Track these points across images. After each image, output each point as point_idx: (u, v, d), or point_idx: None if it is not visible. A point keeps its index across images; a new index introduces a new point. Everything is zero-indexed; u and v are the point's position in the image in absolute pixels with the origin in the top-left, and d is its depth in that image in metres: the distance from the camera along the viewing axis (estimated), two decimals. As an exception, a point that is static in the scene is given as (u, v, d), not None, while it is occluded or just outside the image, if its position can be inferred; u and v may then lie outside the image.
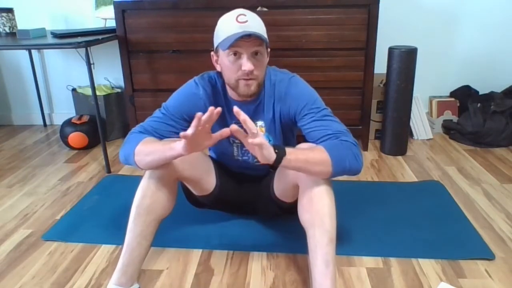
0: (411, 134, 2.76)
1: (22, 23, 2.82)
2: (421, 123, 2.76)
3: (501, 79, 2.79)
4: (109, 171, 2.32)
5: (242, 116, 1.07)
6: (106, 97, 2.76)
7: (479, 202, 1.93)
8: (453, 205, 1.90)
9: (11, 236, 1.74)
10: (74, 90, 2.94)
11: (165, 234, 1.62)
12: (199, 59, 2.38)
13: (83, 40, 2.11)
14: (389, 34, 2.64)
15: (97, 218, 1.84)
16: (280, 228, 1.71)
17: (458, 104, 2.81)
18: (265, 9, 2.28)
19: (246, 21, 1.26)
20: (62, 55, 3.03)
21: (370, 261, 1.53)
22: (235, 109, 1.08)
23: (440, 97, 2.88)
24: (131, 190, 1.34)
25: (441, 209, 1.86)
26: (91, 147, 2.69)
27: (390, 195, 2.01)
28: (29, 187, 2.18)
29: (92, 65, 2.17)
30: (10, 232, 1.77)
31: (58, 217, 1.87)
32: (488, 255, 1.53)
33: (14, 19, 2.71)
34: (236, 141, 1.49)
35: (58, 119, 3.12)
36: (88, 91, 2.71)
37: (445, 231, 1.69)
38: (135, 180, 1.38)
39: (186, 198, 1.67)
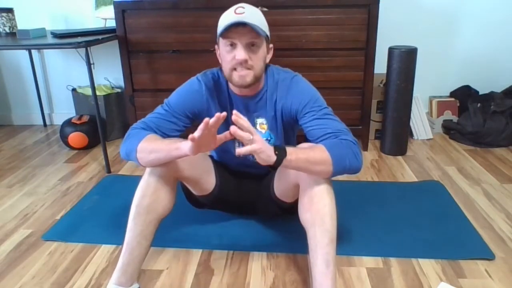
0: (411, 134, 2.76)
1: (22, 23, 2.82)
2: (421, 123, 2.76)
3: (501, 79, 2.79)
4: (109, 171, 2.32)
5: (240, 122, 1.09)
6: (106, 97, 2.76)
7: (479, 202, 1.93)
8: (453, 205, 1.90)
9: (11, 236, 1.74)
10: (74, 90, 2.94)
11: (165, 234, 1.62)
12: (199, 59, 2.38)
13: (83, 40, 2.11)
14: (389, 34, 2.64)
15: (97, 218, 1.84)
16: (280, 228, 1.71)
17: (458, 104, 2.81)
18: (265, 9, 2.28)
19: (243, 13, 1.28)
20: (62, 55, 3.03)
21: (370, 261, 1.53)
22: (234, 117, 1.09)
23: (440, 97, 2.88)
24: (131, 190, 1.34)
25: (441, 209, 1.86)
26: (91, 147, 2.69)
27: (390, 195, 2.01)
28: (29, 187, 2.18)
29: (92, 65, 2.17)
30: (10, 232, 1.77)
31: (58, 217, 1.87)
32: (488, 255, 1.53)
33: (14, 19, 2.71)
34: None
35: (58, 119, 3.12)
36: (88, 91, 2.71)
37: (445, 231, 1.69)
38: (135, 180, 1.38)
39: (186, 198, 1.67)
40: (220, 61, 1.40)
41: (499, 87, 2.76)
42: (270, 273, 1.48)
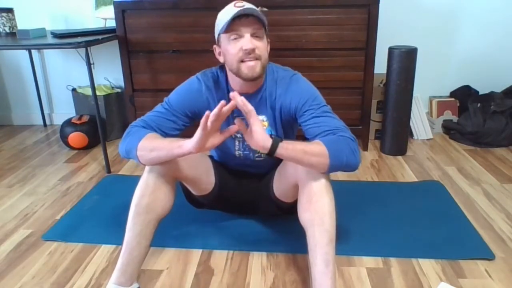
0: (411, 134, 2.76)
1: (22, 23, 2.82)
2: (421, 123, 2.76)
3: (501, 79, 2.79)
4: (109, 171, 2.32)
5: (238, 100, 1.14)
6: (106, 97, 2.76)
7: (479, 202, 1.93)
8: (453, 205, 1.90)
9: (11, 236, 1.74)
10: (74, 90, 2.94)
11: (165, 234, 1.62)
12: (199, 59, 2.38)
13: (83, 40, 2.11)
14: (389, 34, 2.64)
15: (97, 218, 1.84)
16: (280, 228, 1.71)
17: (458, 104, 2.81)
18: (265, 9, 2.27)
19: (243, 6, 1.29)
20: (62, 55, 3.03)
21: (370, 261, 1.53)
22: (232, 94, 1.14)
23: (440, 97, 2.88)
24: (131, 190, 1.34)
25: (441, 209, 1.86)
26: (91, 147, 2.69)
27: (390, 195, 2.01)
28: (29, 187, 2.18)
29: (92, 65, 2.17)
30: (10, 232, 1.77)
31: (58, 217, 1.87)
32: (488, 255, 1.53)
33: (14, 19, 2.71)
34: (238, 135, 1.49)
35: (58, 119, 3.12)
36: (88, 91, 2.71)
37: (445, 231, 1.69)
38: (135, 180, 1.38)
39: (185, 198, 1.67)
40: (220, 60, 1.40)
41: (499, 87, 2.76)
42: (270, 273, 1.48)
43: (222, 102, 1.13)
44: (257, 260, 1.55)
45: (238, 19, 1.27)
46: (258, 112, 1.44)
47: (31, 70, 3.01)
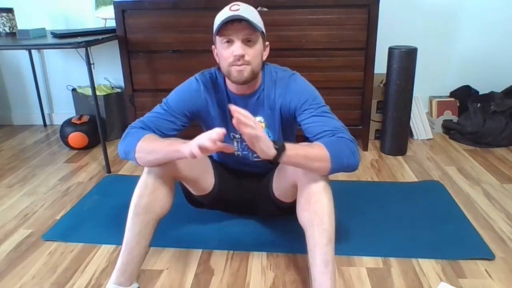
0: (411, 134, 2.76)
1: (22, 23, 2.82)
2: (421, 123, 2.76)
3: (501, 79, 2.79)
4: (109, 171, 2.32)
5: (238, 113, 1.09)
6: (106, 97, 2.76)
7: (479, 202, 1.93)
8: (453, 205, 1.89)
9: (11, 236, 1.74)
10: (74, 90, 2.94)
11: (165, 234, 1.62)
12: (199, 59, 2.38)
13: (83, 40, 2.11)
14: (389, 34, 2.64)
15: (97, 218, 1.84)
16: (280, 228, 1.71)
17: (458, 104, 2.81)
18: (265, 9, 2.28)
19: (238, 10, 1.29)
20: (62, 55, 3.03)
21: (370, 261, 1.53)
22: (231, 107, 1.11)
23: (440, 97, 2.87)
24: (131, 190, 1.34)
25: (441, 209, 1.85)
26: (91, 147, 2.69)
27: (390, 195, 2.01)
28: (29, 187, 2.18)
29: (92, 65, 2.17)
30: (10, 232, 1.77)
31: (58, 217, 1.87)
32: (488, 255, 1.53)
33: (14, 19, 2.72)
34: (237, 136, 1.50)
35: (58, 119, 3.12)
36: (88, 91, 2.71)
37: (445, 231, 1.69)
38: (135, 180, 1.38)
39: (185, 198, 1.67)
40: (217, 60, 1.41)
41: (499, 87, 2.76)
42: (270, 273, 1.48)
43: (220, 130, 1.12)
44: (257, 260, 1.55)
45: (231, 23, 1.27)
46: (256, 113, 1.44)
47: (31, 70, 3.01)
